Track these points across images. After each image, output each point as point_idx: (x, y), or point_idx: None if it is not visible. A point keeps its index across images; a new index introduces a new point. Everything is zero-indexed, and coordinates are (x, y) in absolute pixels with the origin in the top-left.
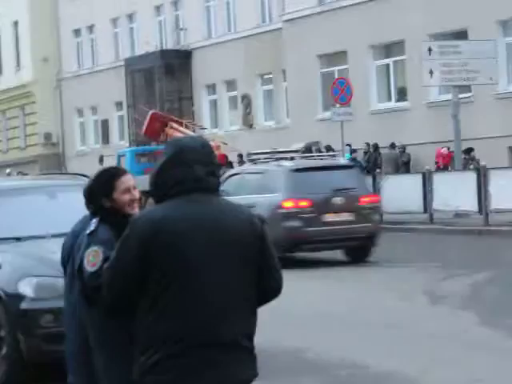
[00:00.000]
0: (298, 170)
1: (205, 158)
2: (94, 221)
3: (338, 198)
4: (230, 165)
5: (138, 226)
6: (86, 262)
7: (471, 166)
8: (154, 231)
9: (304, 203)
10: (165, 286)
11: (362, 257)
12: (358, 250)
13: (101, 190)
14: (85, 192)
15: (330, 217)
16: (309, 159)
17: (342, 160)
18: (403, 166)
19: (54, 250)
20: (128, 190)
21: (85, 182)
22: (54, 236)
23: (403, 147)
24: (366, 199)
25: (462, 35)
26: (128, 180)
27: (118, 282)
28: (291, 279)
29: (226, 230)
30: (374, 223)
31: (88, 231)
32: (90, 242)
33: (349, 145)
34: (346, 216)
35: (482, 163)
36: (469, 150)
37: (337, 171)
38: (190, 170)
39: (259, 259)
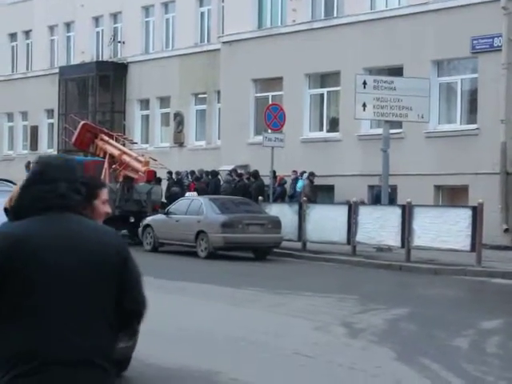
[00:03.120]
0: None
1: (69, 175)
2: None
3: None
4: (158, 181)
5: None
6: None
7: None
8: (9, 243)
9: None
10: (21, 296)
11: None
12: None
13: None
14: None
15: None
16: None
17: None
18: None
19: None
20: (105, 202)
21: (10, 188)
22: None
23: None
24: None
25: (397, 71)
26: (106, 193)
27: None
28: (220, 308)
29: (84, 246)
30: None
31: None
32: None
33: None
34: None
35: (408, 200)
36: None
37: None
38: (53, 187)
39: (119, 280)
